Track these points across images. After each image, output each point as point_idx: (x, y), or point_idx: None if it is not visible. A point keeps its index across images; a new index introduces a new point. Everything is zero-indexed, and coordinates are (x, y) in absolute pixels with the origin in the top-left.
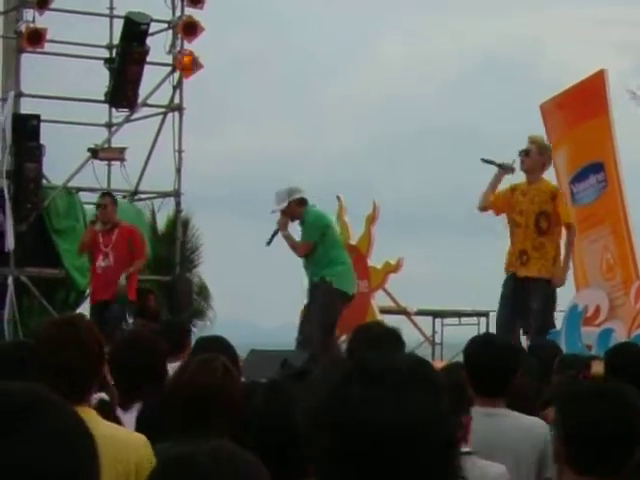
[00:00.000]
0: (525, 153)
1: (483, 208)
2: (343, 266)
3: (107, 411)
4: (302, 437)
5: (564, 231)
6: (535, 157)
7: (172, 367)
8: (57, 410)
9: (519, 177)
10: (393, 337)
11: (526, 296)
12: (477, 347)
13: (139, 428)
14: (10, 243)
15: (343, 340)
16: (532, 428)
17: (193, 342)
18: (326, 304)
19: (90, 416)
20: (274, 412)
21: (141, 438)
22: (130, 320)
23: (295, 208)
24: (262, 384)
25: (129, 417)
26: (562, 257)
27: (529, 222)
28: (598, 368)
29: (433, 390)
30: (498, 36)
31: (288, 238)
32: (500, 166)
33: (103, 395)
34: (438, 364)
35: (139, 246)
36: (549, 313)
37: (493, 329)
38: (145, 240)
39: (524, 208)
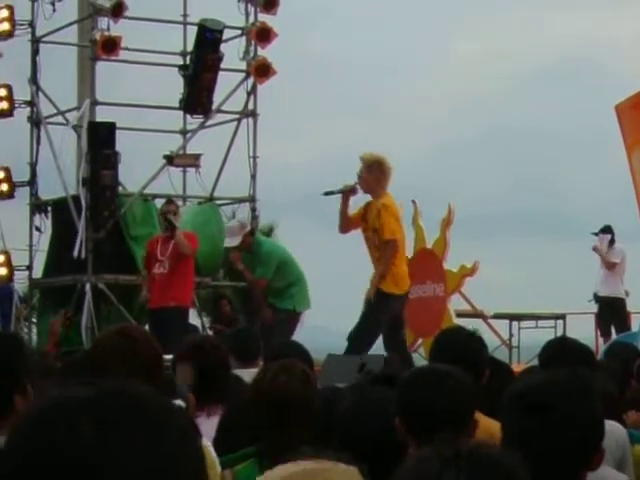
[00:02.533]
0: (358, 177)
1: (342, 232)
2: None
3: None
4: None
5: None
6: (367, 176)
7: (242, 373)
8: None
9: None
10: (476, 342)
11: None
12: (552, 350)
13: (220, 433)
14: (81, 251)
15: (420, 344)
16: (611, 432)
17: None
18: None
19: None
20: (362, 418)
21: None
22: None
23: (248, 240)
24: (347, 389)
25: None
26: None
27: (368, 238)
28: None
29: None
30: (574, 34)
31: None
32: (341, 192)
33: (180, 402)
34: (515, 368)
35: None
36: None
37: (570, 332)
38: (195, 243)
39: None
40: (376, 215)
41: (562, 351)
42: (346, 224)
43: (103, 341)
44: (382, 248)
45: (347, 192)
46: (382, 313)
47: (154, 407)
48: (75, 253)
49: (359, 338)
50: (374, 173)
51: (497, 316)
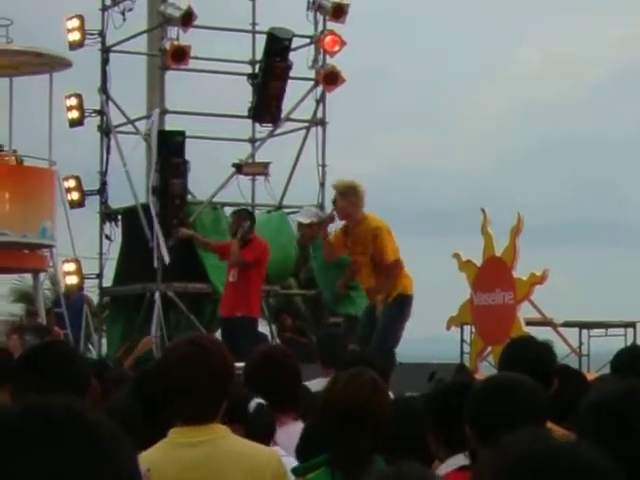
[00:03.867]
0: (334, 204)
1: (328, 260)
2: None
3: (265, 414)
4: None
5: None
6: (342, 204)
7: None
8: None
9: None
10: (546, 351)
11: None
12: (625, 358)
13: (303, 441)
14: (166, 258)
15: (489, 352)
16: None
17: None
18: None
19: (222, 433)
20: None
21: (274, 453)
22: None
23: (315, 229)
24: (420, 399)
25: None
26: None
27: (363, 262)
28: None
29: None
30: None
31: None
32: (320, 222)
33: (260, 400)
34: (589, 376)
35: (252, 253)
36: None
37: None
38: (262, 253)
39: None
40: (371, 240)
41: (634, 359)
42: (329, 253)
43: (174, 350)
44: (387, 269)
45: (326, 221)
46: (408, 314)
47: (63, 419)
48: (166, 260)
49: (390, 343)
50: (349, 199)
51: (567, 324)
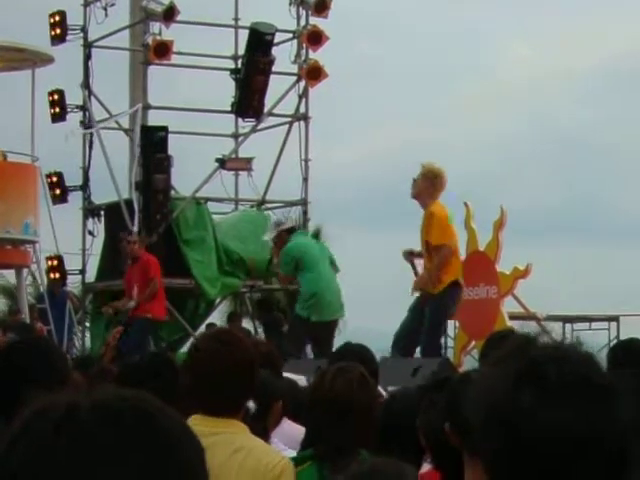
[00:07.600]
0: (413, 180)
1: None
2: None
3: (255, 420)
4: (474, 434)
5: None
6: (420, 183)
7: None
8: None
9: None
10: (527, 343)
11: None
12: (620, 352)
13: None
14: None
15: (473, 346)
16: None
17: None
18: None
19: (238, 429)
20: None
21: (285, 459)
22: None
23: (284, 236)
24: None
25: None
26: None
27: (422, 248)
28: None
29: (611, 398)
30: (628, 42)
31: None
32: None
33: (250, 404)
34: None
35: (150, 269)
36: (432, 328)
37: (624, 334)
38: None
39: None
40: (426, 224)
41: (630, 352)
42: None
43: (202, 344)
44: (434, 252)
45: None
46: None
47: (134, 421)
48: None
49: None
50: (426, 182)
51: (550, 318)
